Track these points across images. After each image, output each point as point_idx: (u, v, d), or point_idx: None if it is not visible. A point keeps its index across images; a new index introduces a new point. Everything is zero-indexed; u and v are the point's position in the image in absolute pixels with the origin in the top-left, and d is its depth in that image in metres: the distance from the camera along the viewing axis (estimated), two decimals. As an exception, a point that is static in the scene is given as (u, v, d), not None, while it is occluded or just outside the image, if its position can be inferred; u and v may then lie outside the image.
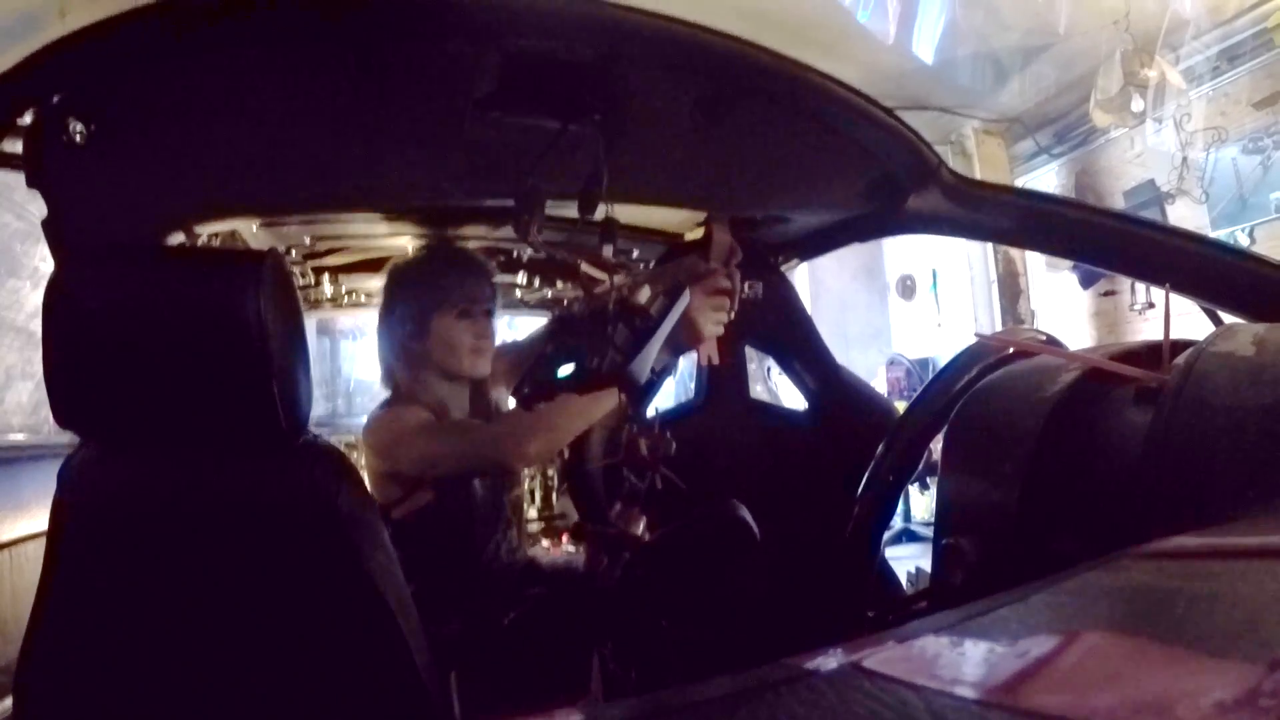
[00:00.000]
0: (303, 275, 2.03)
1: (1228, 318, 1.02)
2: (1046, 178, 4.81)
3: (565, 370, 1.00)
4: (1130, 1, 3.27)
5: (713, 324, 1.10)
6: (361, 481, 0.94)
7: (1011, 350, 0.91)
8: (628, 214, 1.50)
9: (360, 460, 3.06)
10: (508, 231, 1.64)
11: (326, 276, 2.16)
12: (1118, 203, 4.12)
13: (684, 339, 1.08)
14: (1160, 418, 0.57)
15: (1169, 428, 0.56)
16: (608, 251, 1.13)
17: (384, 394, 1.54)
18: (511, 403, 1.79)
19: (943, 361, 1.07)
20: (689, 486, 1.48)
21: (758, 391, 2.07)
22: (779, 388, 2.75)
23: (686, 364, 2.07)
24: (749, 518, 1.31)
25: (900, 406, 1.28)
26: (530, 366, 1.09)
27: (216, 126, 0.91)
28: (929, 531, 0.80)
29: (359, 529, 0.87)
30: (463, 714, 1.18)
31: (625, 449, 1.34)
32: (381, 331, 1.50)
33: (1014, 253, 4.87)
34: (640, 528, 1.40)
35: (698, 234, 1.52)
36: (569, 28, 0.87)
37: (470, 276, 1.47)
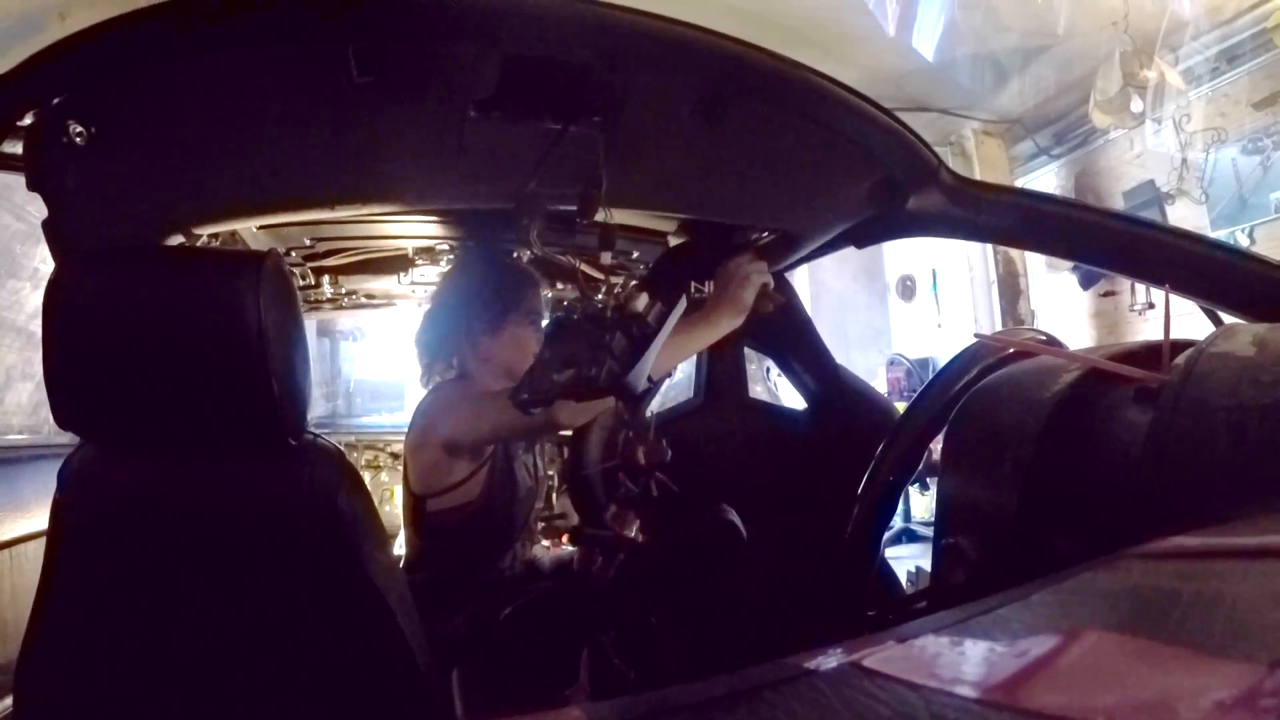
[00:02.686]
0: (303, 276, 2.02)
1: (1228, 318, 1.02)
2: (1046, 178, 4.81)
3: (563, 377, 1.00)
4: (1129, 2, 3.27)
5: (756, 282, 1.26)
6: (362, 482, 0.94)
7: (1011, 350, 0.91)
8: (626, 215, 1.50)
9: (360, 460, 3.05)
10: (507, 233, 1.64)
11: (326, 277, 2.15)
12: (1117, 203, 4.12)
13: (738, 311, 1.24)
14: (1160, 418, 0.57)
15: (1169, 428, 0.56)
16: (606, 256, 1.13)
17: (412, 392, 1.60)
18: None
19: (943, 362, 1.07)
20: (688, 487, 1.48)
21: (757, 392, 2.07)
22: (779, 388, 2.75)
23: (686, 365, 2.07)
24: (737, 520, 1.32)
25: (900, 406, 1.28)
26: (529, 372, 1.09)
27: (216, 128, 0.91)
28: (929, 531, 0.81)
29: (359, 529, 0.87)
30: (464, 711, 1.18)
31: (621, 454, 1.35)
32: (451, 320, 1.55)
33: (1014, 253, 4.87)
34: (634, 530, 1.42)
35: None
36: (567, 28, 0.87)
37: (536, 286, 1.59)
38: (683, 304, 1.03)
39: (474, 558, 1.48)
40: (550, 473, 2.67)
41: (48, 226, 0.90)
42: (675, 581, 1.33)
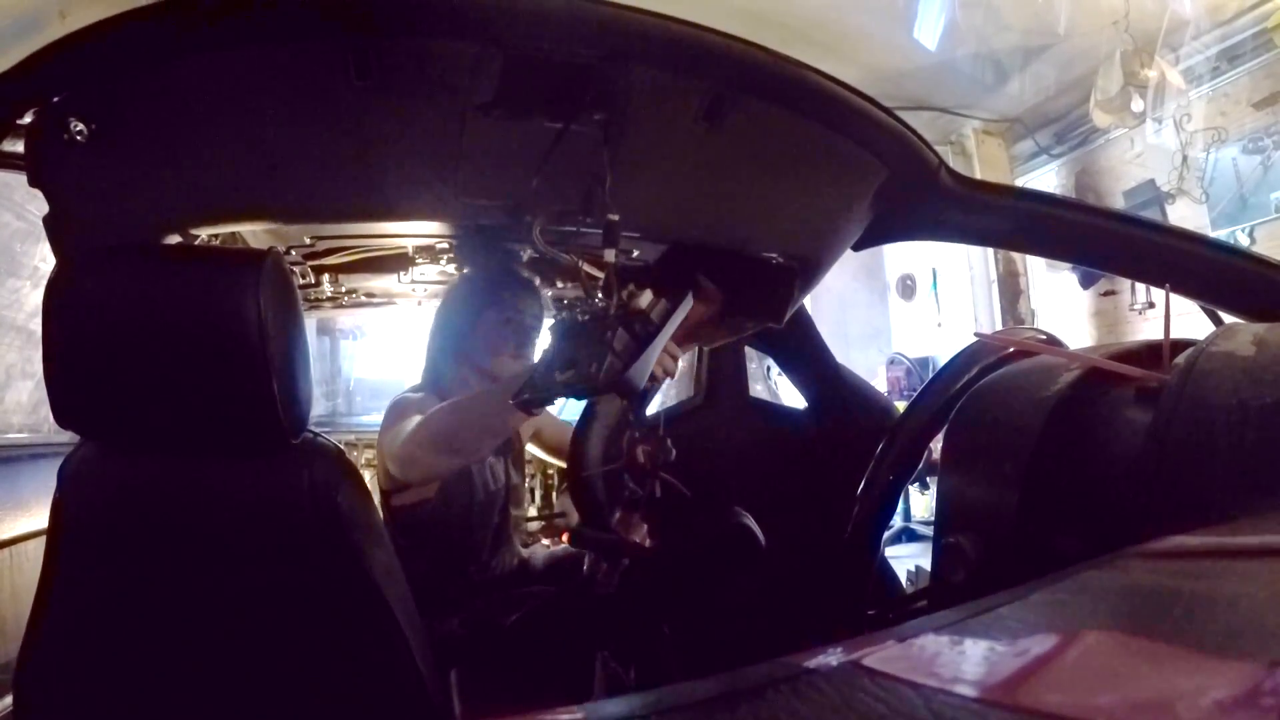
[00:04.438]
0: (303, 274, 2.02)
1: (1228, 317, 1.02)
2: (1046, 178, 4.81)
3: (564, 376, 1.00)
4: (1130, 1, 3.27)
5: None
6: (362, 481, 0.94)
7: (1011, 350, 0.91)
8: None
9: (360, 459, 3.06)
10: (509, 230, 1.63)
11: (326, 276, 2.15)
12: (1118, 203, 4.12)
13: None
14: (1160, 417, 0.57)
15: (1169, 427, 0.56)
16: (610, 255, 1.12)
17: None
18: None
19: (943, 361, 1.07)
20: (689, 486, 1.47)
21: (758, 391, 2.07)
22: (779, 387, 2.75)
23: (686, 363, 2.07)
24: (754, 526, 1.30)
25: (900, 406, 1.28)
26: (531, 370, 1.08)
27: (215, 129, 0.91)
28: (929, 530, 0.81)
29: (359, 528, 0.87)
30: (463, 712, 1.18)
31: (625, 455, 1.33)
32: (435, 325, 1.60)
33: (1014, 253, 4.87)
34: (641, 534, 1.40)
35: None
36: (569, 27, 0.87)
37: (524, 290, 1.57)
38: (689, 301, 1.02)
39: (445, 559, 1.47)
40: (550, 471, 2.67)
41: (49, 223, 0.90)
42: (689, 588, 1.32)
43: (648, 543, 1.35)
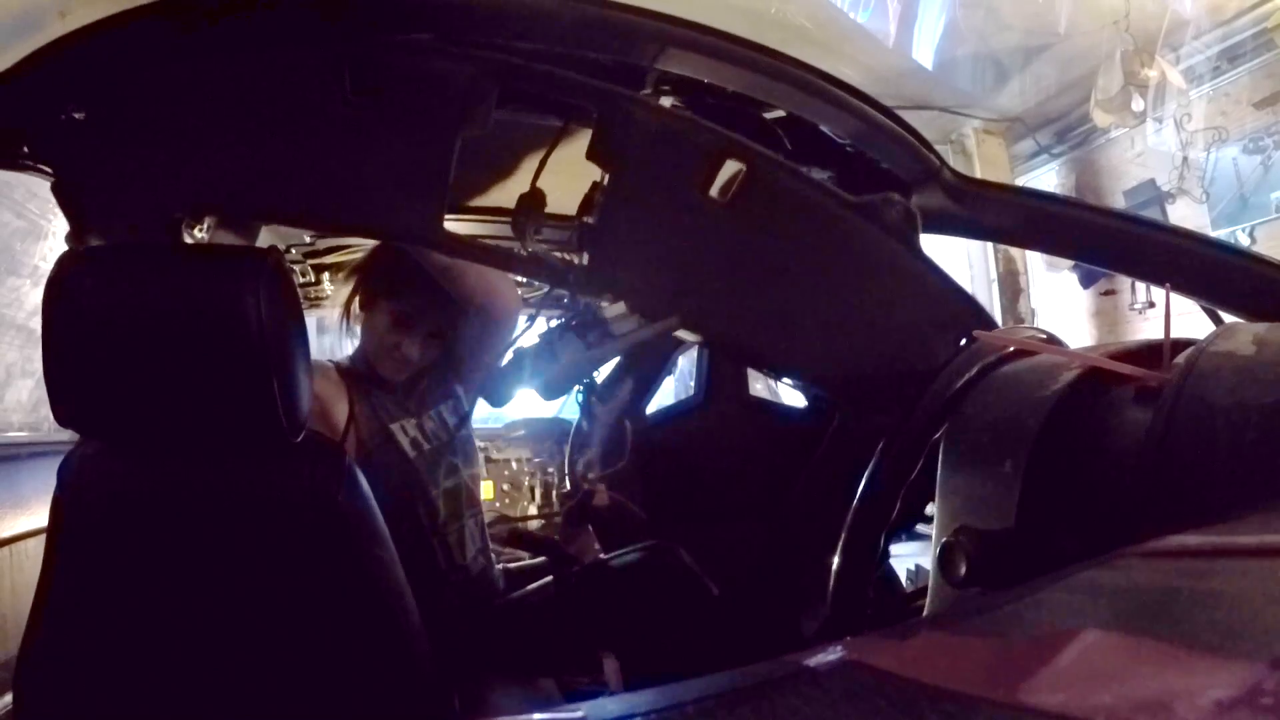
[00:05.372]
0: (303, 273, 2.02)
1: (1228, 317, 1.02)
2: (1047, 177, 4.81)
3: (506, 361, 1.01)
4: (1130, 1, 3.27)
5: None
6: (362, 479, 0.94)
7: (1012, 349, 0.91)
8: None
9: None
10: (506, 230, 1.63)
11: (327, 275, 2.15)
12: (1118, 202, 4.12)
13: None
14: (1160, 417, 0.57)
15: (1169, 427, 0.56)
16: (585, 258, 1.11)
17: None
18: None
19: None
20: (688, 485, 1.46)
21: (758, 389, 2.07)
22: (779, 385, 2.74)
23: (686, 362, 2.07)
24: (692, 567, 1.26)
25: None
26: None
27: (216, 129, 0.91)
28: (929, 529, 0.81)
29: (359, 526, 0.87)
30: (462, 709, 1.18)
31: (570, 466, 1.32)
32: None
33: (1014, 251, 4.86)
34: (581, 546, 1.37)
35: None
36: (561, 29, 0.87)
37: (425, 295, 1.41)
38: (671, 322, 1.01)
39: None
40: (551, 470, 2.67)
41: (56, 190, 0.88)
42: (614, 613, 1.29)
43: (595, 555, 1.32)
